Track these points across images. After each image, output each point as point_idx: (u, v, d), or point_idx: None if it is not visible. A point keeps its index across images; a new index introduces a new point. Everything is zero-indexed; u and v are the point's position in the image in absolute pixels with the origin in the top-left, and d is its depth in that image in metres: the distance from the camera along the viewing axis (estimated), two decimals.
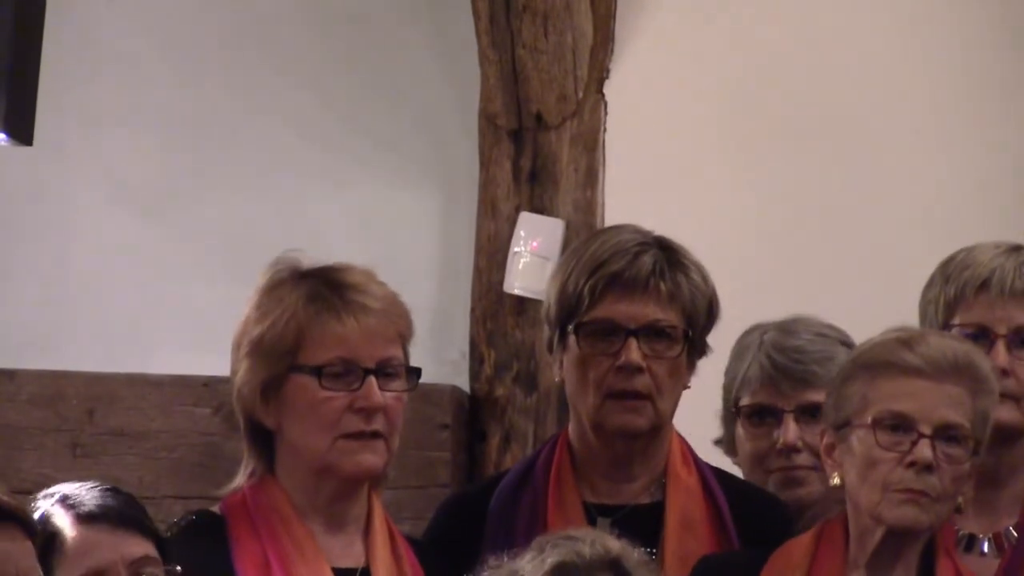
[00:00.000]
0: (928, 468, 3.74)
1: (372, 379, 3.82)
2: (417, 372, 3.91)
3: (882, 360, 3.81)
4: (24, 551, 3.13)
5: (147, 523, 3.52)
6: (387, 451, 3.86)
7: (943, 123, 5.33)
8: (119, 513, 3.48)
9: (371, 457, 3.84)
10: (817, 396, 4.22)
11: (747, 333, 4.36)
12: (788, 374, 4.25)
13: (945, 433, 3.75)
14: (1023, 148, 5.24)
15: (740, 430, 4.34)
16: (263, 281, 3.90)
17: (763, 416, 4.31)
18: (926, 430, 3.74)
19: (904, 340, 3.82)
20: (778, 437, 4.24)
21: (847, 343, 4.36)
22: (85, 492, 3.49)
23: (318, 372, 3.82)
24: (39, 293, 5.65)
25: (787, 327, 4.32)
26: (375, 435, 3.84)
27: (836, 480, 3.84)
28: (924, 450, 3.74)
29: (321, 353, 3.83)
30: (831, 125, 5.44)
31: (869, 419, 3.76)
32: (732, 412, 4.35)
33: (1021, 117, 5.27)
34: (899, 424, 3.75)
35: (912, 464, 3.74)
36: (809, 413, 4.26)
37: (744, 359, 4.32)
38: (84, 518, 3.44)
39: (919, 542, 3.82)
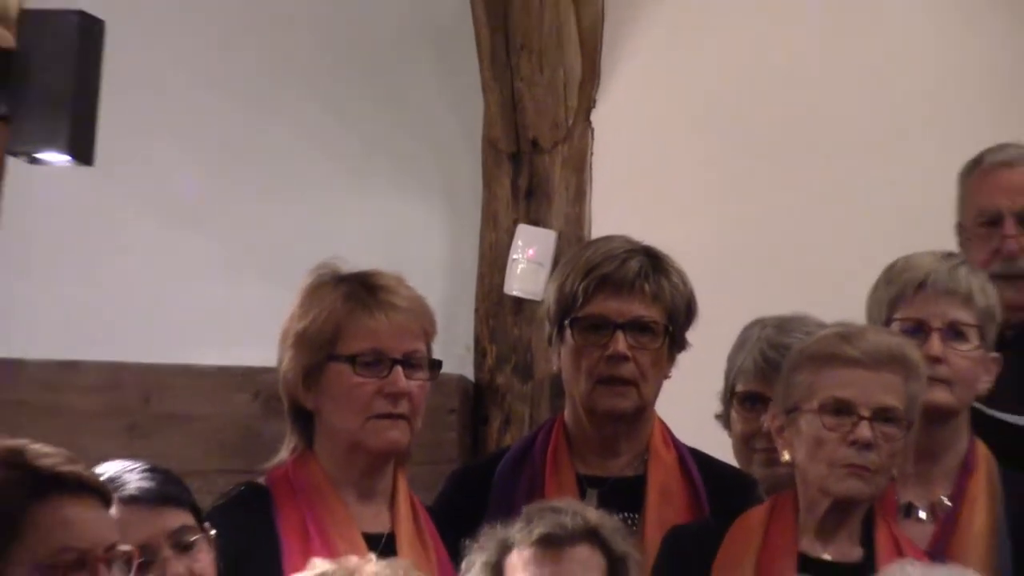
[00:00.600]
0: (868, 446, 3.77)
1: (399, 368, 3.85)
2: (438, 364, 3.94)
3: (826, 353, 3.84)
4: (105, 519, 3.17)
5: (183, 496, 3.56)
6: (410, 430, 3.87)
7: (908, 146, 5.33)
8: (157, 492, 3.50)
9: (396, 434, 3.86)
10: None
11: (749, 327, 4.34)
12: (777, 368, 4.19)
13: (882, 415, 3.78)
14: None
15: (734, 412, 4.32)
16: (307, 282, 3.95)
17: (754, 403, 4.28)
18: (865, 413, 3.77)
19: (844, 335, 3.85)
20: (764, 422, 4.18)
21: None
22: (127, 474, 3.50)
23: (352, 361, 3.84)
24: (99, 294, 5.65)
25: (783, 325, 4.30)
26: (400, 416, 3.86)
27: (786, 457, 3.85)
28: (864, 430, 3.77)
29: (355, 344, 3.85)
30: (795, 144, 5.45)
31: (816, 404, 3.79)
32: (729, 396, 4.34)
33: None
34: (842, 408, 3.78)
35: (854, 443, 3.77)
36: None
37: (743, 350, 4.31)
38: (127, 499, 3.46)
39: (861, 510, 3.83)
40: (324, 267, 3.94)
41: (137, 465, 3.51)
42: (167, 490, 3.52)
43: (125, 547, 3.23)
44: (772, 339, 4.29)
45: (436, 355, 4.00)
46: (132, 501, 3.47)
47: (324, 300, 3.88)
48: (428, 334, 3.94)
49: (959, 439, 4.11)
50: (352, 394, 3.85)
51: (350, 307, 3.87)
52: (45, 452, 3.17)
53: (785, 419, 3.85)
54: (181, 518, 3.51)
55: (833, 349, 3.83)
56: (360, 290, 3.89)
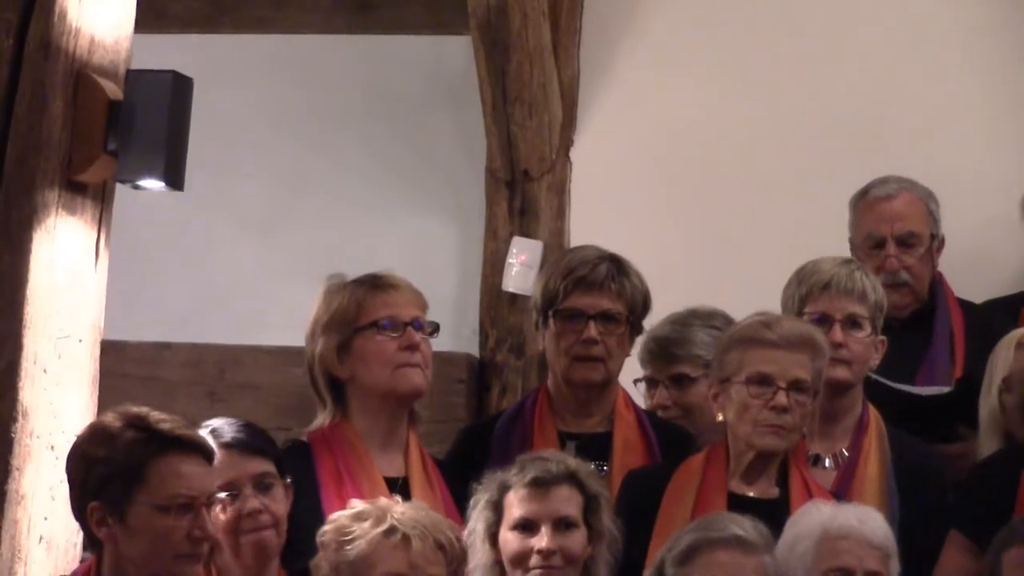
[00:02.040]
0: (784, 410, 3.77)
1: (410, 328, 3.87)
2: (437, 326, 3.97)
3: (751, 336, 3.84)
4: (208, 473, 3.24)
5: (269, 448, 3.59)
6: (425, 377, 3.90)
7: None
8: (246, 442, 3.53)
9: (418, 379, 3.88)
10: (681, 368, 4.29)
11: None
12: (657, 356, 4.29)
13: (795, 386, 3.79)
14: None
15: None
16: (324, 289, 3.96)
17: (649, 384, 4.36)
18: (782, 384, 3.78)
19: (765, 322, 3.86)
20: (649, 400, 4.30)
21: (711, 323, 4.34)
22: (227, 426, 3.53)
23: (375, 326, 3.86)
24: (186, 290, 5.65)
25: (669, 318, 4.34)
26: (417, 365, 3.87)
27: (720, 417, 3.85)
28: (781, 398, 3.78)
29: (375, 314, 3.87)
30: (729, 175, 5.39)
31: (743, 377, 3.79)
32: None
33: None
34: (764, 380, 3.79)
35: (773, 407, 3.77)
36: (676, 381, 4.27)
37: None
38: (222, 445, 3.49)
39: (778, 459, 3.84)
40: (334, 276, 3.96)
41: (237, 421, 3.55)
42: (255, 442, 3.56)
43: (222, 495, 3.32)
44: (656, 333, 4.32)
45: (449, 338, 4.12)
46: (226, 447, 3.50)
47: (342, 293, 3.90)
48: (424, 306, 3.94)
49: (856, 405, 4.08)
50: (379, 350, 3.86)
51: (364, 291, 3.89)
52: (163, 417, 3.24)
53: (719, 387, 3.85)
54: (264, 465, 3.54)
55: (756, 333, 3.83)
56: (369, 280, 3.92)
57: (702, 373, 4.29)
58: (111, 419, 3.21)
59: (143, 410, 3.22)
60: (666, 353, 4.30)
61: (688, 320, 4.33)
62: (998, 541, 3.61)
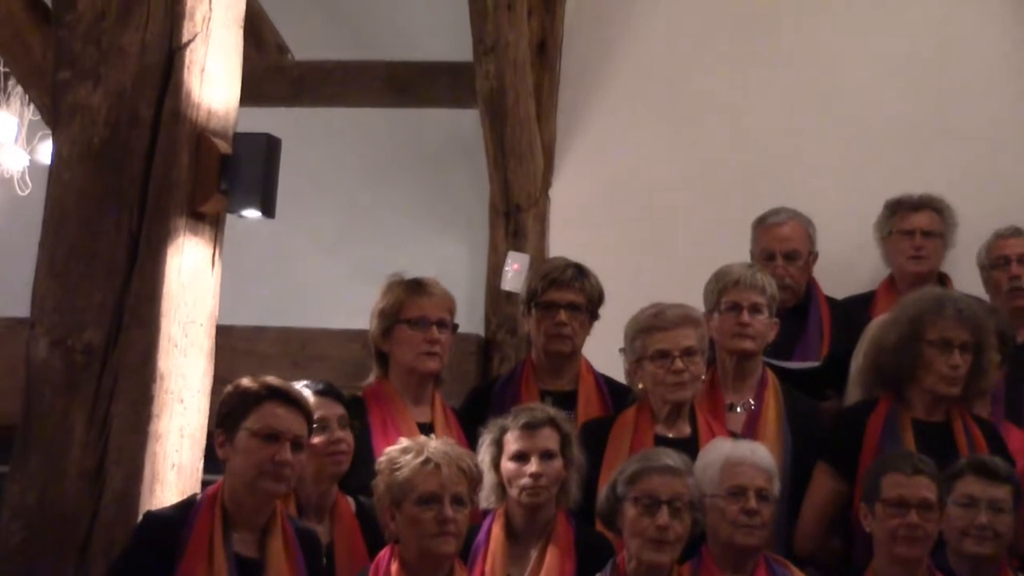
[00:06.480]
0: (682, 371, 3.77)
1: (434, 327, 3.89)
2: (457, 326, 3.98)
3: (646, 325, 3.83)
4: (298, 420, 3.25)
5: (343, 397, 3.63)
6: (441, 363, 3.92)
7: None
8: (334, 391, 3.59)
9: (433, 364, 3.90)
10: None
11: None
12: None
13: (686, 352, 3.78)
14: None
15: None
16: (386, 284, 3.98)
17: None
18: (676, 353, 3.77)
19: (655, 313, 3.84)
20: None
21: None
22: (314, 384, 3.56)
23: (408, 322, 3.89)
24: (277, 289, 5.67)
25: None
26: (436, 354, 3.89)
27: (640, 387, 3.86)
28: (678, 363, 3.78)
29: (410, 313, 3.89)
30: (670, 210, 5.38)
31: (648, 355, 3.80)
32: None
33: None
34: (663, 354, 3.78)
35: (674, 371, 3.78)
36: None
37: None
38: (316, 392, 3.55)
39: (687, 406, 3.83)
40: (395, 275, 3.99)
41: (324, 381, 3.60)
42: (338, 392, 3.61)
43: (313, 440, 3.30)
44: None
45: (463, 323, 4.04)
46: (319, 393, 3.54)
47: (394, 291, 3.94)
48: (451, 310, 3.96)
49: (758, 368, 4.08)
50: (409, 339, 3.88)
51: (407, 294, 3.91)
52: (279, 380, 3.30)
53: (634, 366, 3.86)
54: (344, 410, 3.57)
55: (650, 322, 3.83)
56: (413, 285, 3.94)
57: None
58: (248, 379, 3.29)
59: (270, 377, 3.28)
60: None
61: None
62: (875, 469, 3.61)
